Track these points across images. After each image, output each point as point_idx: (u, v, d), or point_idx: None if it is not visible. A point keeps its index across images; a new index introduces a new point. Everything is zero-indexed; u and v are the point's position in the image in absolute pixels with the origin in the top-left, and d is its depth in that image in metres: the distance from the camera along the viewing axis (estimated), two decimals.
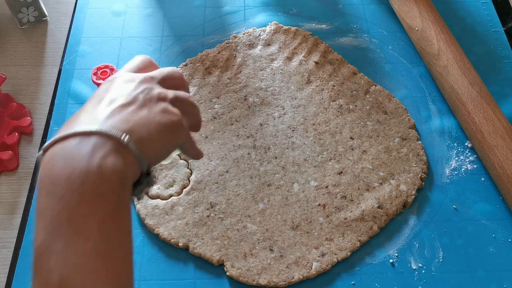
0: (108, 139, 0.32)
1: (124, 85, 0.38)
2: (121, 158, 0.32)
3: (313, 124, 0.63)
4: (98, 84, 0.65)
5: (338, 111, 0.64)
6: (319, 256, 0.54)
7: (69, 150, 0.32)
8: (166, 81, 0.40)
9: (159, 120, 0.36)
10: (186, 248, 0.55)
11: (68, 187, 0.30)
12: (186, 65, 0.69)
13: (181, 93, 0.40)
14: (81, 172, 0.31)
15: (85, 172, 0.31)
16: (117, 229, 0.31)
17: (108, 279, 0.30)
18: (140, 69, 0.41)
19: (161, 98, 0.38)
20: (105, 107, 0.35)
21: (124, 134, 0.33)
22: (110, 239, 0.31)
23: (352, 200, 0.58)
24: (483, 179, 0.60)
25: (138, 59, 0.42)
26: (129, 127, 0.34)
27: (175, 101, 0.39)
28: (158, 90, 0.38)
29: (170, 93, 0.39)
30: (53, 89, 0.68)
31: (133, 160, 0.33)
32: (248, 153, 0.61)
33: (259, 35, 0.72)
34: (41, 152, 0.33)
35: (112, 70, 0.65)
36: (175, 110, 0.38)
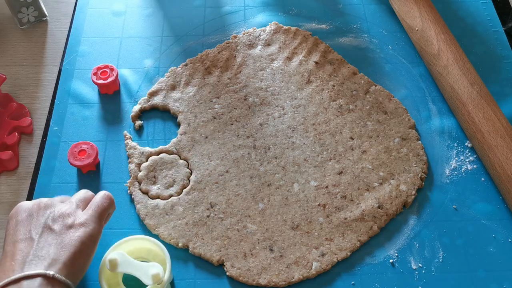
0: (37, 277, 0.40)
1: (29, 218, 0.45)
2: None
3: (313, 124, 0.63)
4: (98, 84, 0.65)
5: (338, 111, 0.64)
6: (319, 256, 0.54)
7: None
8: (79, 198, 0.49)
9: (72, 239, 0.44)
10: (186, 248, 0.55)
11: None
12: (186, 65, 0.69)
13: (78, 197, 0.49)
14: None
15: None
16: None
17: None
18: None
19: (67, 214, 0.46)
20: (25, 249, 0.43)
21: (47, 271, 0.41)
22: None
23: (352, 200, 0.58)
24: (483, 179, 0.60)
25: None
26: (49, 261, 0.42)
27: (79, 205, 0.48)
28: (62, 207, 0.47)
29: (72, 204, 0.48)
30: (53, 89, 0.68)
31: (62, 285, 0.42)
32: (248, 153, 0.61)
33: (259, 35, 0.72)
34: None
35: (112, 70, 0.65)
36: (81, 217, 0.46)
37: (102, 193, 0.50)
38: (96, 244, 0.47)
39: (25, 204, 0.47)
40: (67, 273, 0.42)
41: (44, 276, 0.41)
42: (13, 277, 0.40)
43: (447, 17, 0.73)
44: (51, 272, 0.41)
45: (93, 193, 0.51)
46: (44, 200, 0.48)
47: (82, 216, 0.47)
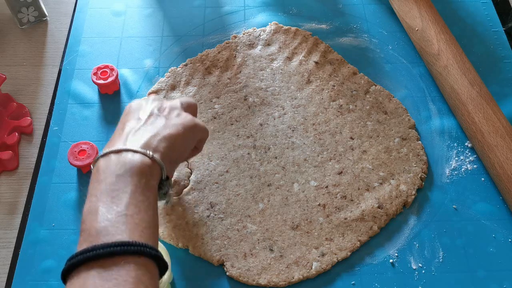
0: (140, 154, 0.43)
1: (137, 108, 0.49)
2: (147, 161, 0.43)
3: (313, 124, 0.63)
4: (98, 84, 0.65)
5: (338, 111, 0.64)
6: (319, 256, 0.54)
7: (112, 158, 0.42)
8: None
9: (176, 123, 0.46)
10: (186, 248, 0.55)
11: (109, 173, 0.41)
12: (186, 65, 0.69)
13: (185, 100, 0.51)
14: (118, 164, 0.41)
15: (122, 164, 0.41)
16: (143, 201, 0.40)
17: (133, 231, 0.38)
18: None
19: (173, 107, 0.49)
20: (131, 126, 0.46)
21: (150, 152, 0.43)
22: (137, 206, 0.39)
23: (352, 200, 0.58)
24: (483, 179, 0.60)
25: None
26: (155, 143, 0.44)
27: (184, 107, 0.50)
28: (168, 103, 0.49)
29: (177, 101, 0.50)
30: (53, 89, 0.68)
31: (157, 166, 0.43)
32: (248, 153, 0.61)
33: (259, 35, 0.72)
34: (99, 155, 0.43)
35: (112, 70, 0.65)
36: (184, 113, 0.48)
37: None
38: (196, 138, 0.49)
39: (137, 100, 0.50)
40: (163, 152, 0.44)
41: (142, 153, 0.43)
42: (115, 148, 0.43)
43: (447, 17, 0.73)
44: (150, 152, 0.43)
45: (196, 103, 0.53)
46: (153, 96, 0.51)
47: (186, 113, 0.49)
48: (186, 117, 0.48)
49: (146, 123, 0.46)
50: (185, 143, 0.47)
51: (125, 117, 0.48)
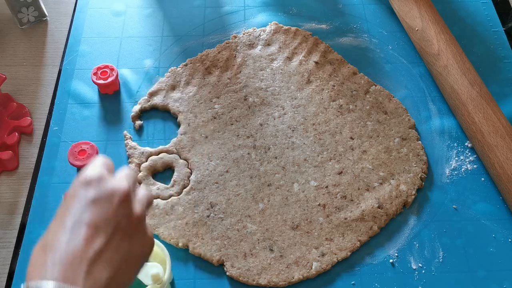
0: None
1: (104, 203, 0.34)
2: None
3: (313, 124, 0.63)
4: (98, 84, 0.65)
5: (338, 111, 0.64)
6: (319, 256, 0.54)
7: None
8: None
9: (140, 254, 0.35)
10: (186, 248, 0.55)
11: None
12: (186, 65, 0.69)
13: (145, 196, 0.38)
14: None
15: None
16: None
17: None
18: (109, 170, 0.38)
19: (140, 219, 0.36)
20: (90, 242, 0.33)
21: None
22: None
23: (352, 200, 0.58)
24: (483, 179, 0.60)
25: (99, 163, 0.38)
26: (107, 275, 0.32)
27: (148, 209, 0.38)
28: (137, 208, 0.36)
29: (144, 202, 0.37)
30: (53, 89, 0.68)
31: None
32: (248, 153, 0.61)
33: (259, 35, 0.72)
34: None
35: (112, 70, 0.65)
36: (149, 230, 0.37)
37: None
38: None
39: (103, 184, 0.35)
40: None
41: None
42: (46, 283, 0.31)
43: (447, 17, 0.73)
44: None
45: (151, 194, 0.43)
46: (123, 186, 0.36)
47: (150, 231, 0.38)
48: (151, 240, 0.37)
49: (109, 244, 0.33)
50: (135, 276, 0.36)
51: (78, 206, 0.34)
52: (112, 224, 0.34)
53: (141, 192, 0.39)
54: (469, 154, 0.62)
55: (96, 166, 0.37)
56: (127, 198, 0.36)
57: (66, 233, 0.33)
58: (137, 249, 0.35)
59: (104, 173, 0.36)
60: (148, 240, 0.36)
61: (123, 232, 0.34)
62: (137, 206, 0.37)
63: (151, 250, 0.37)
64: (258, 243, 0.55)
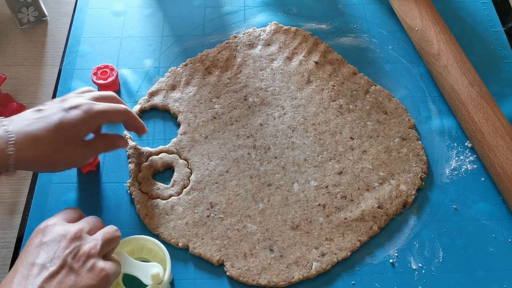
0: None
1: (53, 245, 0.41)
2: None
3: (313, 124, 0.63)
4: (98, 84, 0.65)
5: (338, 111, 0.64)
6: (319, 256, 0.54)
7: None
8: None
9: (87, 283, 0.40)
10: (186, 248, 0.55)
11: None
12: (186, 65, 0.69)
13: (100, 235, 0.44)
14: None
15: None
16: None
17: None
18: (70, 220, 0.46)
19: (90, 255, 0.42)
20: (35, 277, 0.39)
21: None
22: None
23: (352, 200, 0.58)
24: (483, 179, 0.60)
25: (68, 212, 0.46)
26: None
27: (104, 246, 0.44)
28: (87, 246, 0.42)
29: (98, 240, 0.43)
30: (53, 89, 0.68)
31: None
32: (248, 153, 0.61)
33: (259, 35, 0.72)
34: None
35: (112, 70, 0.65)
36: (101, 264, 0.42)
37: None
38: None
39: (55, 228, 0.43)
40: None
41: None
42: None
43: (447, 17, 0.73)
44: None
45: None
46: (74, 228, 0.44)
47: (102, 266, 0.43)
48: (100, 273, 0.41)
49: (52, 278, 0.39)
50: None
51: (35, 250, 0.41)
52: (58, 262, 0.40)
53: (98, 232, 0.45)
54: (469, 154, 0.62)
55: (53, 217, 0.45)
56: (75, 239, 0.42)
57: (17, 275, 0.39)
58: (84, 282, 0.40)
59: (58, 221, 0.44)
60: (98, 274, 0.41)
61: (69, 268, 0.40)
62: (89, 245, 0.42)
63: (104, 282, 0.41)
64: (258, 243, 0.55)
